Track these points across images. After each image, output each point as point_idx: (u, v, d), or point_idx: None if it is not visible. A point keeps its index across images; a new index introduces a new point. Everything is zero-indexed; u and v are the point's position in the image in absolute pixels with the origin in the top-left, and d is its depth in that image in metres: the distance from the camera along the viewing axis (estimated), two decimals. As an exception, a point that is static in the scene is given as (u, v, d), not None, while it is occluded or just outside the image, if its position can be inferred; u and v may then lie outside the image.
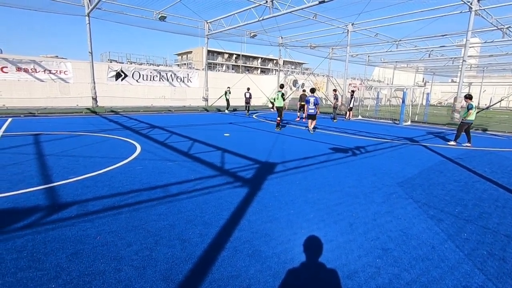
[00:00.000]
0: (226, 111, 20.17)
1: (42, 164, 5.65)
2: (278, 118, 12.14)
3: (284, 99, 12.34)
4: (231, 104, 20.63)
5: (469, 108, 9.15)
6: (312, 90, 11.46)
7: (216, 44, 23.81)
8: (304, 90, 18.08)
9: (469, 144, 9.30)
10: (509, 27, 17.49)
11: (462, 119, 9.41)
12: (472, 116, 9.18)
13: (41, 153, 6.55)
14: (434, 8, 15.69)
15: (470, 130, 9.61)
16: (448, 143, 9.66)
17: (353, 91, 17.61)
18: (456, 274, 2.60)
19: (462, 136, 9.53)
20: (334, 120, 16.61)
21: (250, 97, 19.10)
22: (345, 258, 2.81)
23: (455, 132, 9.89)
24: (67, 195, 4.12)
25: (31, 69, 16.95)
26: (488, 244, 3.15)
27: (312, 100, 11.11)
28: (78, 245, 2.86)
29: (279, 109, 12.20)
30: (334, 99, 17.06)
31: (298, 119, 16.56)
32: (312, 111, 11.17)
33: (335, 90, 17.73)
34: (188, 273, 2.50)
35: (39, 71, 17.20)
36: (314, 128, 11.92)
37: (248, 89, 19.36)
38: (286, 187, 4.79)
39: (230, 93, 19.98)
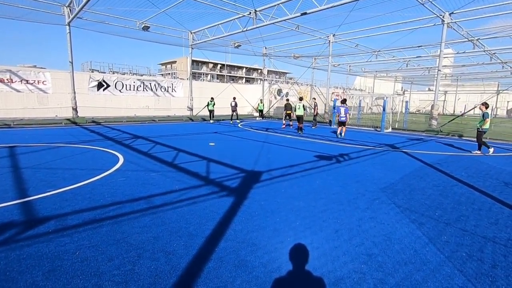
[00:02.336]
0: (211, 121, 19.88)
1: (18, 178, 5.40)
2: (301, 125, 14.44)
3: (305, 109, 14.90)
4: (217, 114, 20.73)
5: (485, 117, 9.07)
6: (343, 101, 13.51)
7: (200, 54, 24.04)
8: (288, 100, 18.50)
9: (479, 152, 9.31)
10: (479, 39, 18.60)
11: (479, 128, 9.24)
12: (487, 125, 9.13)
13: (16, 166, 6.26)
14: (410, 20, 16.51)
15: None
16: (473, 152, 9.40)
17: (345, 100, 17.81)
18: (438, 277, 2.66)
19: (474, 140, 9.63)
20: (314, 127, 17.44)
21: (236, 106, 19.52)
22: (331, 265, 2.82)
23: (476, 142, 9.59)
24: (44, 209, 3.95)
25: (6, 79, 16.31)
26: (467, 246, 3.26)
27: (343, 109, 12.94)
28: (55, 262, 2.73)
29: (300, 117, 14.49)
30: (314, 107, 18.09)
31: (284, 126, 16.97)
32: (344, 118, 12.95)
33: (314, 99, 18.58)
34: (172, 286, 2.44)
35: (15, 81, 16.58)
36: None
37: (234, 98, 19.64)
38: (272, 196, 4.79)
39: (214, 104, 19.67)
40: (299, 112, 14.51)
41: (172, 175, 5.86)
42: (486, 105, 9.25)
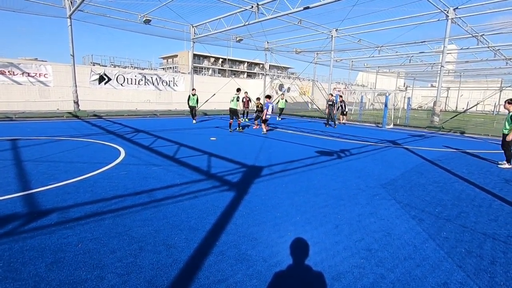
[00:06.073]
0: (194, 121, 15.52)
1: (20, 170, 5.43)
2: (237, 120, 12.55)
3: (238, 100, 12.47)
4: (219, 109, 19.72)
5: None
6: (268, 97, 12.54)
7: (202, 48, 23.88)
8: (331, 94, 16.92)
9: (507, 164, 7.25)
10: (483, 34, 18.40)
11: (506, 133, 7.18)
12: None
13: (18, 159, 6.29)
14: (413, 15, 16.33)
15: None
16: (499, 163, 7.49)
17: (341, 96, 17.37)
18: (437, 272, 2.68)
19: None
20: (327, 126, 15.95)
21: (249, 102, 17.40)
22: (332, 260, 2.84)
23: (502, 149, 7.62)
24: (46, 202, 3.98)
25: (8, 72, 16.30)
26: (467, 242, 3.28)
27: (270, 106, 11.80)
28: (58, 254, 2.76)
29: (234, 111, 12.29)
30: (333, 104, 16.06)
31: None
32: (269, 116, 11.94)
33: (331, 95, 16.70)
34: (173, 279, 2.46)
35: (17, 74, 16.57)
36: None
37: (246, 93, 17.24)
38: (273, 190, 4.81)
39: (195, 99, 15.23)
40: (233, 105, 12.13)
41: (173, 169, 5.88)
42: None
